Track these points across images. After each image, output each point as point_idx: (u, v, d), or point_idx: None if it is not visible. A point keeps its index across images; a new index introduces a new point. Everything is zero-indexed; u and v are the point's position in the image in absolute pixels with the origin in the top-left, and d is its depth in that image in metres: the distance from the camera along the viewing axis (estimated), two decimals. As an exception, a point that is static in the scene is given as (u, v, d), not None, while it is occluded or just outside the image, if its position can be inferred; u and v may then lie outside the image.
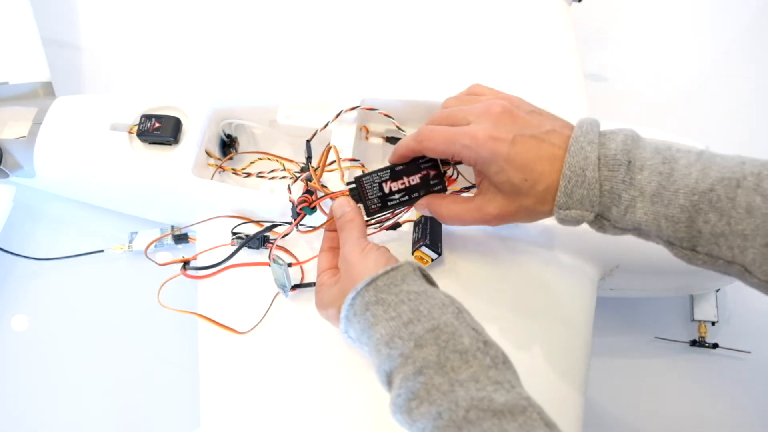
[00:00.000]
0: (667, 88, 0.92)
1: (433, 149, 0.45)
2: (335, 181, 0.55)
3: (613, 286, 0.63)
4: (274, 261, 0.52)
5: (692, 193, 0.39)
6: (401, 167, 0.48)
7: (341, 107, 0.59)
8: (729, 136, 0.87)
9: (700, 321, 0.71)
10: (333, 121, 0.58)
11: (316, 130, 0.57)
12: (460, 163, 0.48)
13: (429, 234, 0.54)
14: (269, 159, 0.65)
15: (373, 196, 0.48)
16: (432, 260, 0.54)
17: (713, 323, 0.71)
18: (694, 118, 0.90)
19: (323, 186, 0.52)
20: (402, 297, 0.40)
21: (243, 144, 0.68)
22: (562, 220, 0.43)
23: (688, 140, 0.62)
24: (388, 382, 0.39)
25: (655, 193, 0.40)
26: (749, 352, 0.71)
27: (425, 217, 0.55)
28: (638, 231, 0.42)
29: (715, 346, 0.70)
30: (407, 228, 0.58)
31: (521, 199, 0.43)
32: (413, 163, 0.48)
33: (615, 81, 0.91)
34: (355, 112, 0.60)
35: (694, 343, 0.71)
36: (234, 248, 0.56)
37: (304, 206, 0.51)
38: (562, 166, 0.41)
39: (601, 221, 0.43)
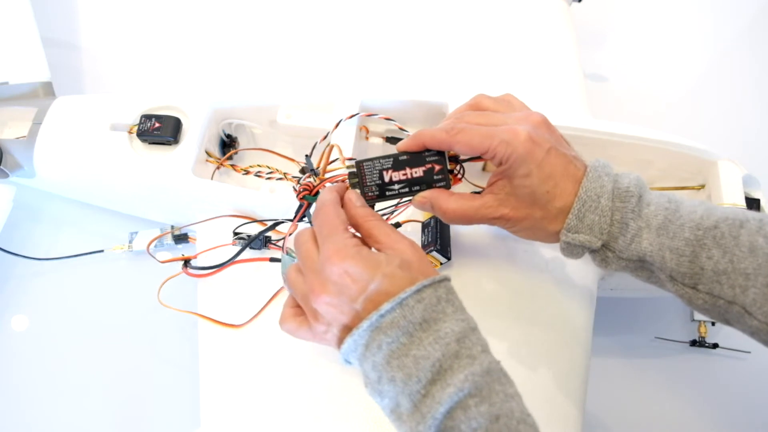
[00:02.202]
0: (667, 88, 0.92)
1: (467, 143, 0.43)
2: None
3: (613, 286, 0.63)
4: (287, 253, 0.52)
5: (697, 228, 0.40)
6: (405, 157, 0.46)
7: (341, 114, 0.59)
8: (729, 136, 0.87)
9: (700, 321, 0.71)
10: (333, 130, 0.58)
11: (316, 143, 0.57)
12: (466, 160, 0.48)
13: (439, 238, 0.53)
14: (268, 167, 0.65)
15: (371, 183, 0.46)
16: (441, 264, 0.54)
17: (713, 323, 0.71)
18: (694, 118, 0.90)
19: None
20: (463, 306, 0.40)
21: (243, 144, 0.68)
22: (568, 245, 0.44)
23: (689, 140, 0.62)
24: (433, 380, 0.36)
25: (661, 226, 0.41)
26: (749, 352, 0.71)
27: (434, 220, 0.54)
28: (641, 263, 0.43)
29: (715, 346, 0.70)
30: (410, 228, 0.58)
31: (534, 209, 0.44)
32: (419, 155, 0.46)
33: (615, 81, 0.91)
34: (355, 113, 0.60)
35: (694, 343, 0.71)
36: (235, 247, 0.56)
37: (306, 194, 0.51)
38: (579, 190, 0.42)
39: (605, 253, 0.43)
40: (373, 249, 0.42)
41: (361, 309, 0.38)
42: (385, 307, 0.37)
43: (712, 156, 0.61)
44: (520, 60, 0.74)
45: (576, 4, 0.82)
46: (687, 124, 0.89)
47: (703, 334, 0.70)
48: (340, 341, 0.40)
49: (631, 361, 0.72)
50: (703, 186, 0.63)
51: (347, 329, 0.39)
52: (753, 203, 0.59)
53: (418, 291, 0.38)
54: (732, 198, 0.58)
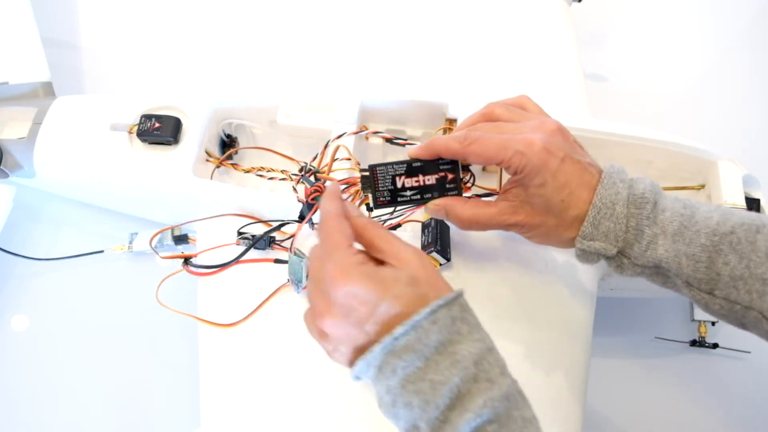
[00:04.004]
0: (667, 88, 0.92)
1: (481, 154, 0.43)
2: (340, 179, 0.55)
3: (613, 286, 0.63)
4: (295, 254, 0.52)
5: (713, 234, 0.40)
6: (419, 164, 0.46)
7: (341, 114, 0.59)
8: (729, 136, 0.87)
9: (700, 321, 0.71)
10: (335, 140, 0.58)
11: (317, 154, 0.57)
12: (469, 165, 0.48)
13: (439, 239, 0.53)
14: (271, 169, 0.65)
15: (383, 188, 0.46)
16: (440, 265, 0.54)
17: (713, 323, 0.71)
18: (694, 118, 0.90)
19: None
20: (478, 321, 0.38)
21: (243, 144, 0.68)
22: (583, 252, 0.44)
23: (689, 140, 0.62)
24: (451, 406, 0.35)
25: (677, 232, 0.41)
26: (749, 352, 0.71)
27: (434, 220, 0.54)
28: (657, 269, 0.43)
29: (715, 346, 0.70)
30: (410, 228, 0.58)
31: (548, 217, 0.43)
32: (432, 163, 0.46)
33: (615, 81, 0.91)
34: (355, 113, 0.60)
35: (694, 343, 0.71)
36: (239, 247, 0.56)
37: (317, 196, 0.50)
38: (594, 197, 0.42)
39: (620, 259, 0.43)
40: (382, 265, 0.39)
41: (372, 332, 0.37)
42: (399, 330, 0.35)
43: (712, 156, 0.61)
44: (520, 60, 0.74)
45: (576, 4, 0.82)
46: (687, 124, 0.89)
47: (703, 334, 0.70)
48: (351, 362, 0.38)
49: (631, 361, 0.72)
50: (703, 186, 0.63)
51: (358, 351, 0.37)
52: (753, 203, 0.59)
53: (433, 312, 0.36)
54: (732, 198, 0.58)
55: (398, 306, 0.36)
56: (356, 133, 0.59)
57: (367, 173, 0.46)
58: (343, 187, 0.50)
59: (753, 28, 0.99)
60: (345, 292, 0.36)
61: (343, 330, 0.37)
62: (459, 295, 0.38)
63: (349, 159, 0.57)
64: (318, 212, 0.52)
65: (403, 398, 0.36)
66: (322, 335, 0.39)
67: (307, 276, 0.54)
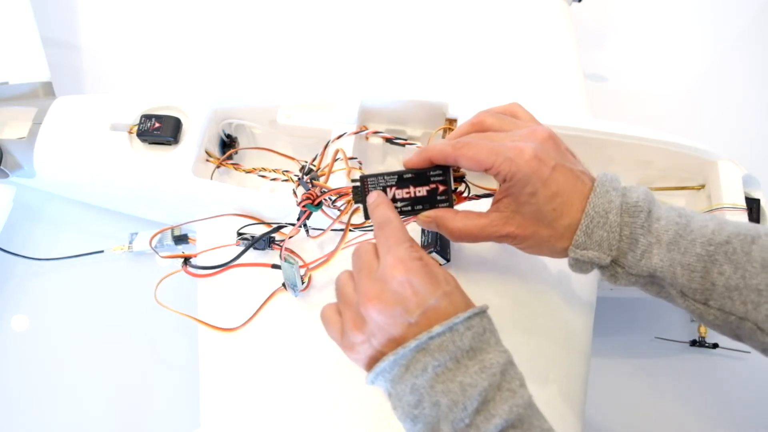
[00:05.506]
0: (667, 88, 0.92)
1: (472, 157, 0.43)
2: (339, 182, 0.55)
3: (613, 286, 0.63)
4: (286, 260, 0.52)
5: (709, 244, 0.40)
6: (410, 175, 0.46)
7: (341, 114, 0.59)
8: (729, 136, 0.87)
9: (700, 321, 0.71)
10: (335, 141, 0.59)
11: (316, 155, 0.57)
12: (463, 176, 0.48)
13: (439, 239, 0.53)
14: (273, 171, 0.65)
15: None
16: (440, 265, 0.54)
17: (713, 323, 0.71)
18: (694, 118, 0.90)
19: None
20: (500, 337, 0.40)
21: (243, 144, 0.68)
22: (576, 261, 0.43)
23: (689, 140, 0.62)
24: (478, 410, 0.36)
25: (672, 241, 0.41)
26: (749, 352, 0.70)
27: None
28: (652, 279, 0.43)
29: (715, 346, 0.70)
30: (410, 228, 0.58)
31: (540, 227, 0.43)
32: (423, 175, 0.46)
33: (615, 81, 0.91)
34: (355, 113, 0.60)
35: (694, 343, 0.71)
36: (239, 248, 0.56)
37: (308, 203, 0.50)
38: (586, 206, 0.42)
39: (614, 268, 0.43)
40: None
41: (414, 322, 0.38)
42: (436, 329, 0.37)
43: (712, 156, 0.61)
44: (520, 60, 0.74)
45: (576, 4, 0.82)
46: (687, 124, 0.89)
47: (703, 334, 0.71)
48: (374, 359, 0.39)
49: (631, 361, 0.72)
50: (703, 186, 0.63)
51: (392, 343, 0.38)
52: (753, 203, 0.59)
53: (469, 318, 0.38)
54: (732, 198, 0.58)
55: (445, 303, 0.38)
56: (356, 133, 0.60)
57: (358, 184, 0.46)
58: (335, 197, 0.50)
59: (753, 28, 0.99)
60: (403, 279, 0.38)
61: (387, 317, 0.38)
62: (487, 308, 0.40)
63: (346, 163, 0.57)
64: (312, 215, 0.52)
65: (431, 398, 0.36)
66: (357, 324, 0.39)
67: (302, 280, 0.54)
